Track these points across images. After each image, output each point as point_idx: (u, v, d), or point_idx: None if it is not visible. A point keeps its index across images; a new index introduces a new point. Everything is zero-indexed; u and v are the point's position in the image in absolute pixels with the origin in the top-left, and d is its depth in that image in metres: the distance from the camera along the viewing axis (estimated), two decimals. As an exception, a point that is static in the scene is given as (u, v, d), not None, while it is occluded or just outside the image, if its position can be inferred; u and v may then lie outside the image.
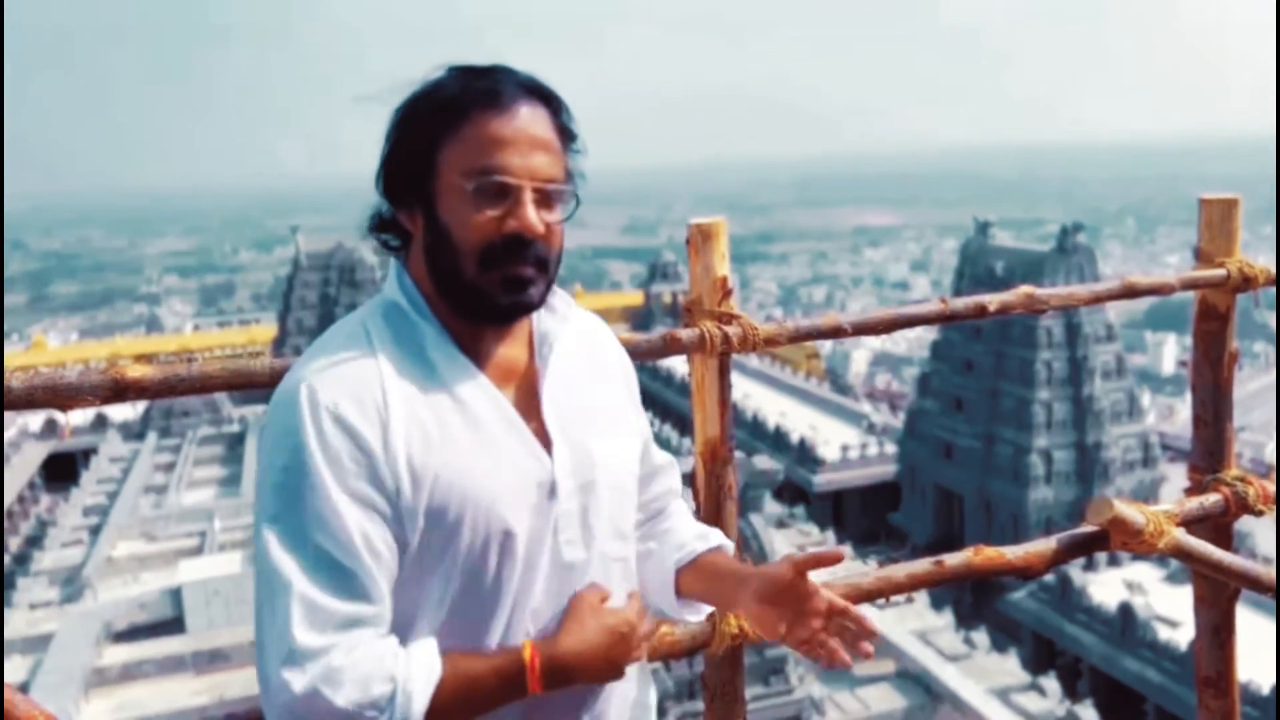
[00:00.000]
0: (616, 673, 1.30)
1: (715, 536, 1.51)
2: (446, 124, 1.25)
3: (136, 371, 1.65)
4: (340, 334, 1.29)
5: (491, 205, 1.24)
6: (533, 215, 1.25)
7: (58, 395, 1.60)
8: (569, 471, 1.31)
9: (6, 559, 35.26)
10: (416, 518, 1.21)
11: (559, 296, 1.39)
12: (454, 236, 1.25)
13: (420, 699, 1.16)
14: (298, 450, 1.19)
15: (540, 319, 1.37)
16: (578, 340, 1.41)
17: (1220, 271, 2.55)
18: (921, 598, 25.23)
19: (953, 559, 2.20)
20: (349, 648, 1.15)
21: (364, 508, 1.19)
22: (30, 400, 1.60)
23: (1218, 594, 2.63)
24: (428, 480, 1.21)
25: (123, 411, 46.39)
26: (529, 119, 1.26)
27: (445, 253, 1.26)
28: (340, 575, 1.17)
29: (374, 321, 1.29)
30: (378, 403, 1.21)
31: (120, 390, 1.64)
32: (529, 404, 1.32)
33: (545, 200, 1.27)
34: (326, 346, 1.27)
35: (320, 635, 1.14)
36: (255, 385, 1.74)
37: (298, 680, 1.12)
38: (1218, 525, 2.56)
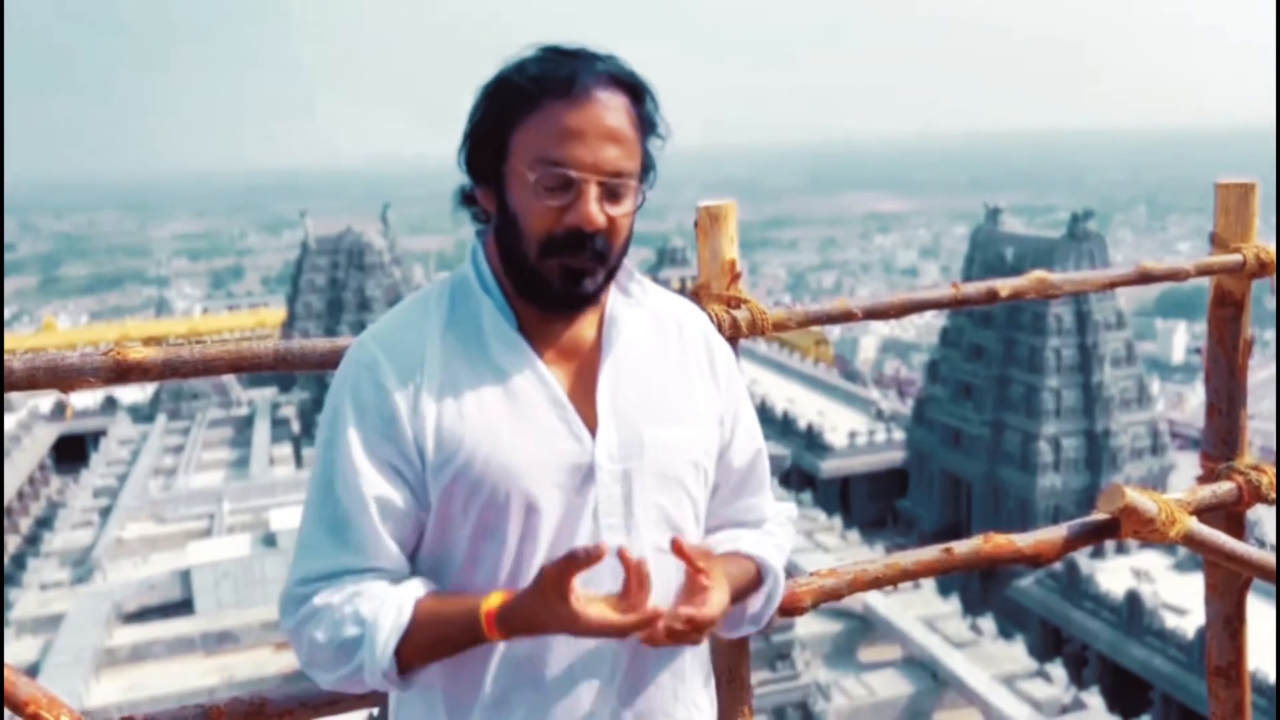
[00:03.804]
0: (561, 622, 1.17)
1: (746, 544, 1.41)
2: (519, 110, 1.25)
3: (138, 353, 1.64)
4: (408, 302, 1.35)
5: (554, 196, 1.24)
6: (594, 209, 1.24)
7: (59, 376, 1.59)
8: (611, 455, 1.29)
9: (18, 540, 35.51)
10: (439, 480, 1.25)
11: (635, 280, 1.38)
12: (519, 223, 1.26)
13: (385, 643, 1.21)
14: (338, 403, 1.29)
15: (614, 302, 1.36)
16: (655, 325, 1.39)
17: (1236, 257, 2.51)
18: (928, 584, 25.24)
19: (962, 546, 2.18)
20: (334, 592, 1.24)
21: (381, 466, 1.25)
22: (32, 381, 1.59)
23: (1230, 583, 2.61)
24: (454, 447, 1.25)
25: (132, 394, 46.60)
26: (602, 109, 1.24)
27: (510, 236, 1.28)
28: (348, 527, 1.25)
29: (441, 292, 1.34)
30: (415, 367, 1.27)
31: (122, 372, 1.63)
32: (587, 386, 1.32)
33: (611, 193, 1.26)
34: (394, 311, 1.35)
35: (309, 586, 1.25)
36: (257, 367, 1.72)
37: (289, 620, 1.26)
38: (1230, 514, 2.53)
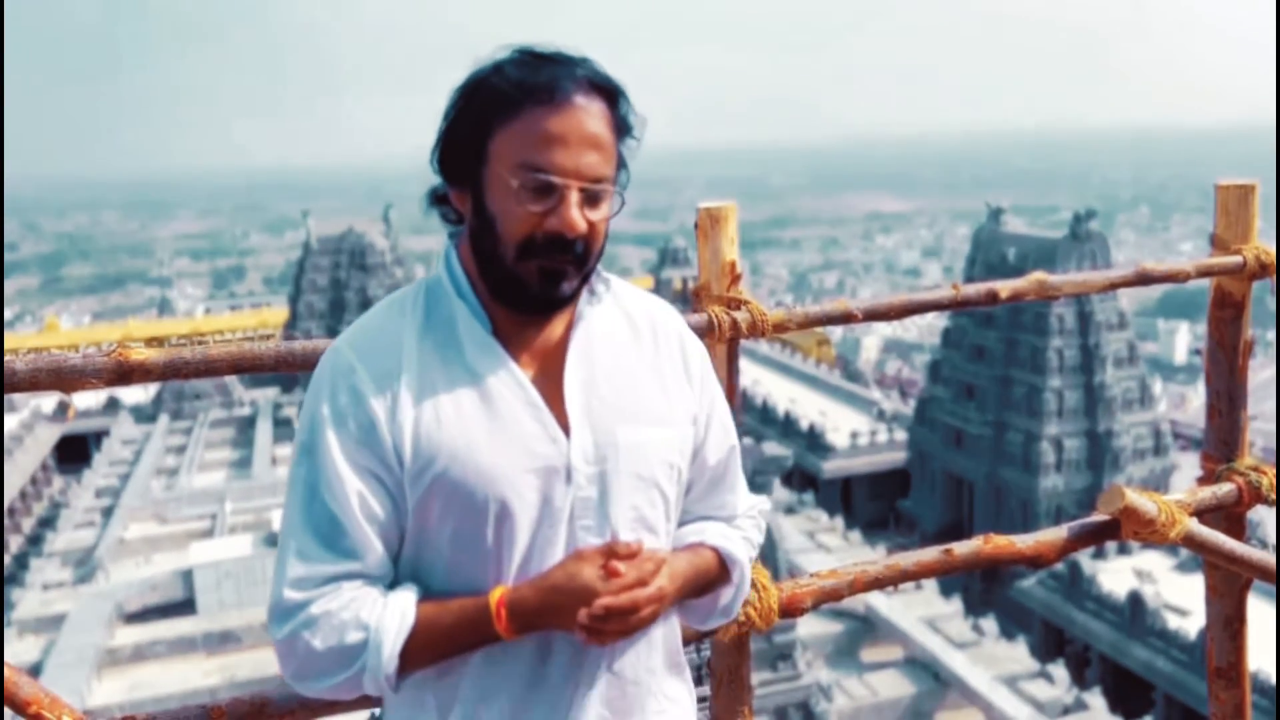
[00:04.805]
0: (576, 593, 1.23)
1: (711, 535, 1.43)
2: (500, 114, 1.24)
3: (141, 354, 1.64)
4: (382, 306, 1.35)
5: (535, 202, 1.24)
6: (576, 215, 1.24)
7: (62, 377, 1.60)
8: (586, 457, 1.30)
9: (20, 540, 35.53)
10: (417, 486, 1.25)
11: (598, 277, 1.38)
12: (497, 226, 1.26)
13: (390, 646, 1.23)
14: (315, 411, 1.28)
15: (582, 303, 1.36)
16: (628, 323, 1.39)
17: (1236, 259, 2.52)
18: (930, 584, 25.24)
19: (962, 547, 2.18)
20: (330, 598, 1.24)
21: (363, 472, 1.25)
22: (35, 382, 1.60)
23: (1230, 584, 2.61)
24: (432, 453, 1.25)
25: (134, 394, 46.63)
26: (583, 116, 1.25)
27: (488, 239, 1.28)
28: (336, 532, 1.25)
29: (415, 296, 1.34)
30: (391, 373, 1.27)
31: (124, 373, 1.64)
32: (557, 387, 1.32)
33: (591, 199, 1.26)
34: (366, 317, 1.34)
35: (304, 593, 1.24)
36: (259, 368, 1.73)
37: (282, 628, 1.25)
38: (1231, 515, 2.54)
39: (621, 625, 1.24)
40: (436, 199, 1.34)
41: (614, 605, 1.23)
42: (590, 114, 1.25)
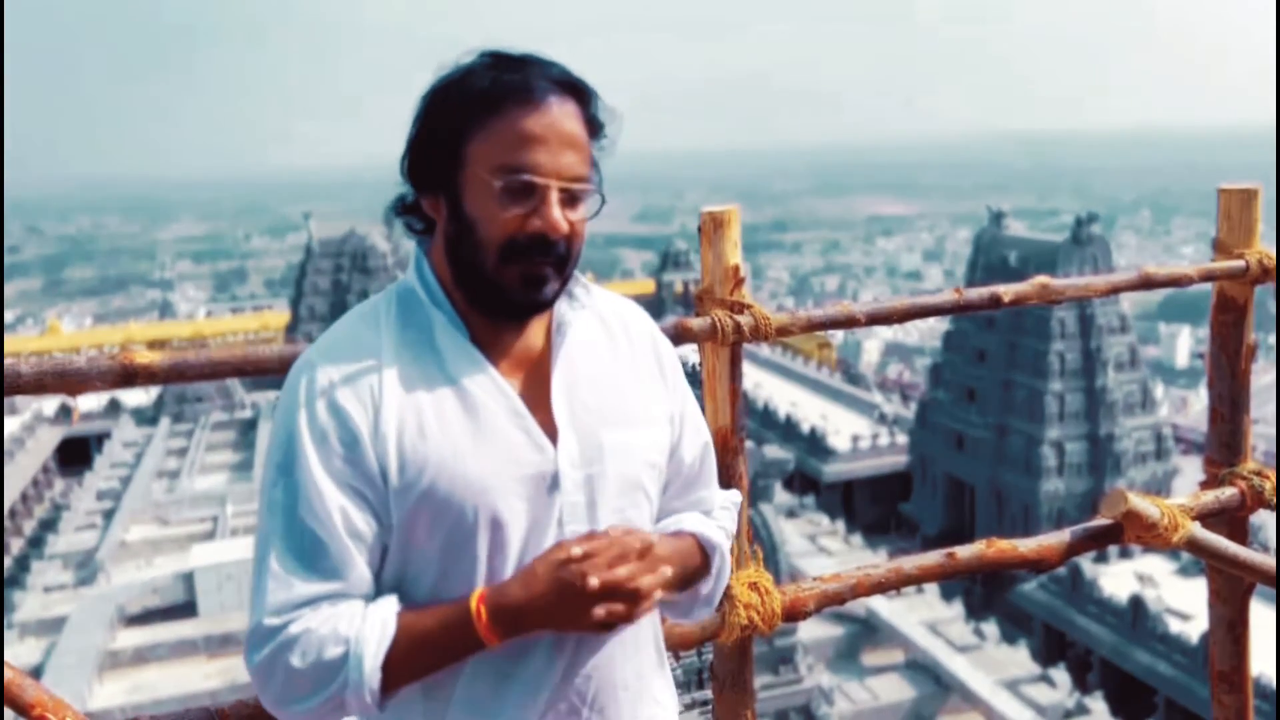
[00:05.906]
0: (574, 622, 1.19)
1: (689, 523, 1.42)
2: (476, 117, 1.23)
3: (145, 357, 1.65)
4: (353, 316, 1.31)
5: (518, 203, 1.23)
6: (558, 215, 1.23)
7: (67, 380, 1.60)
8: (574, 463, 1.28)
9: (21, 542, 35.54)
10: (404, 501, 1.22)
11: (578, 283, 1.37)
12: (478, 230, 1.24)
13: (372, 659, 1.18)
14: (292, 428, 1.23)
15: (559, 307, 1.34)
16: (602, 327, 1.38)
17: (1239, 263, 2.51)
18: (931, 588, 25.23)
19: (965, 551, 2.18)
20: (309, 617, 1.19)
21: (345, 488, 1.21)
22: (40, 385, 1.60)
23: (1233, 589, 2.61)
24: (419, 468, 1.22)
25: (136, 396, 46.66)
26: (560, 115, 1.24)
27: (467, 244, 1.26)
28: (317, 552, 1.21)
29: (387, 306, 1.30)
30: (372, 386, 1.23)
31: (129, 376, 1.64)
32: (540, 393, 1.30)
33: (570, 199, 1.25)
34: (338, 328, 1.30)
35: (283, 617, 1.19)
36: (263, 371, 1.73)
37: (259, 652, 1.19)
38: (1233, 519, 2.53)
39: (632, 604, 1.19)
40: (405, 207, 1.32)
41: (611, 579, 1.18)
42: (566, 113, 1.25)
